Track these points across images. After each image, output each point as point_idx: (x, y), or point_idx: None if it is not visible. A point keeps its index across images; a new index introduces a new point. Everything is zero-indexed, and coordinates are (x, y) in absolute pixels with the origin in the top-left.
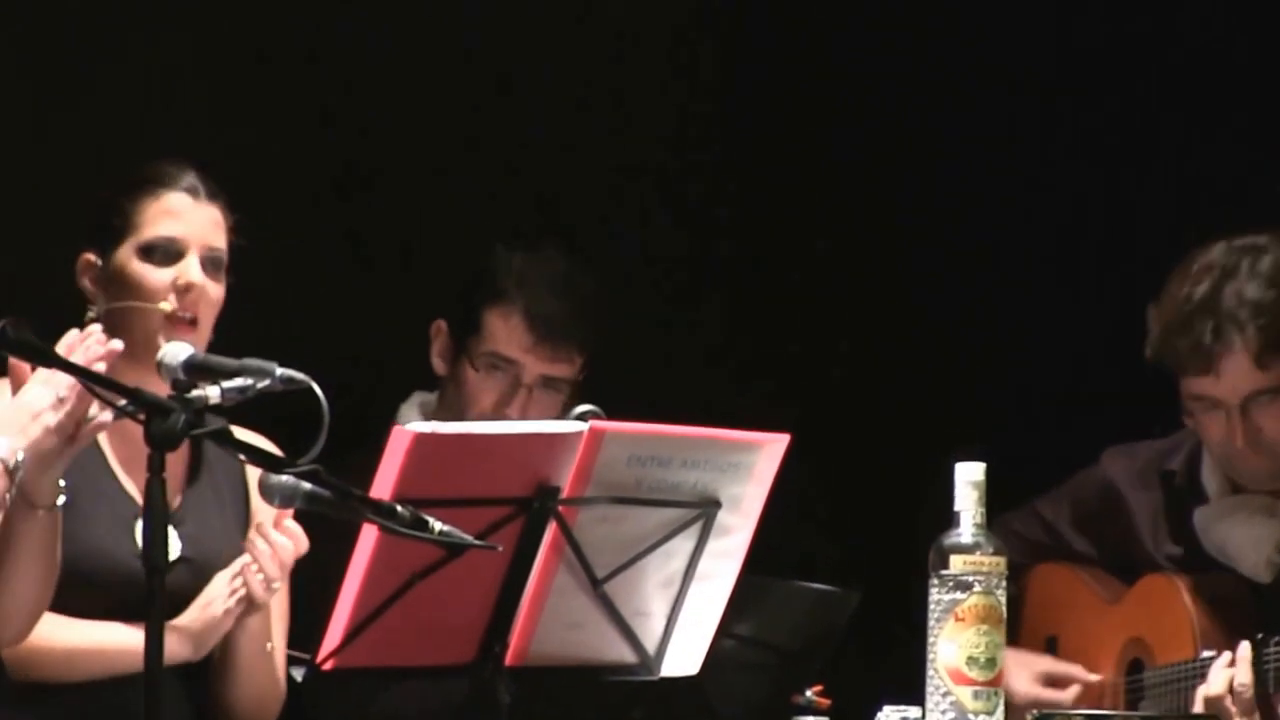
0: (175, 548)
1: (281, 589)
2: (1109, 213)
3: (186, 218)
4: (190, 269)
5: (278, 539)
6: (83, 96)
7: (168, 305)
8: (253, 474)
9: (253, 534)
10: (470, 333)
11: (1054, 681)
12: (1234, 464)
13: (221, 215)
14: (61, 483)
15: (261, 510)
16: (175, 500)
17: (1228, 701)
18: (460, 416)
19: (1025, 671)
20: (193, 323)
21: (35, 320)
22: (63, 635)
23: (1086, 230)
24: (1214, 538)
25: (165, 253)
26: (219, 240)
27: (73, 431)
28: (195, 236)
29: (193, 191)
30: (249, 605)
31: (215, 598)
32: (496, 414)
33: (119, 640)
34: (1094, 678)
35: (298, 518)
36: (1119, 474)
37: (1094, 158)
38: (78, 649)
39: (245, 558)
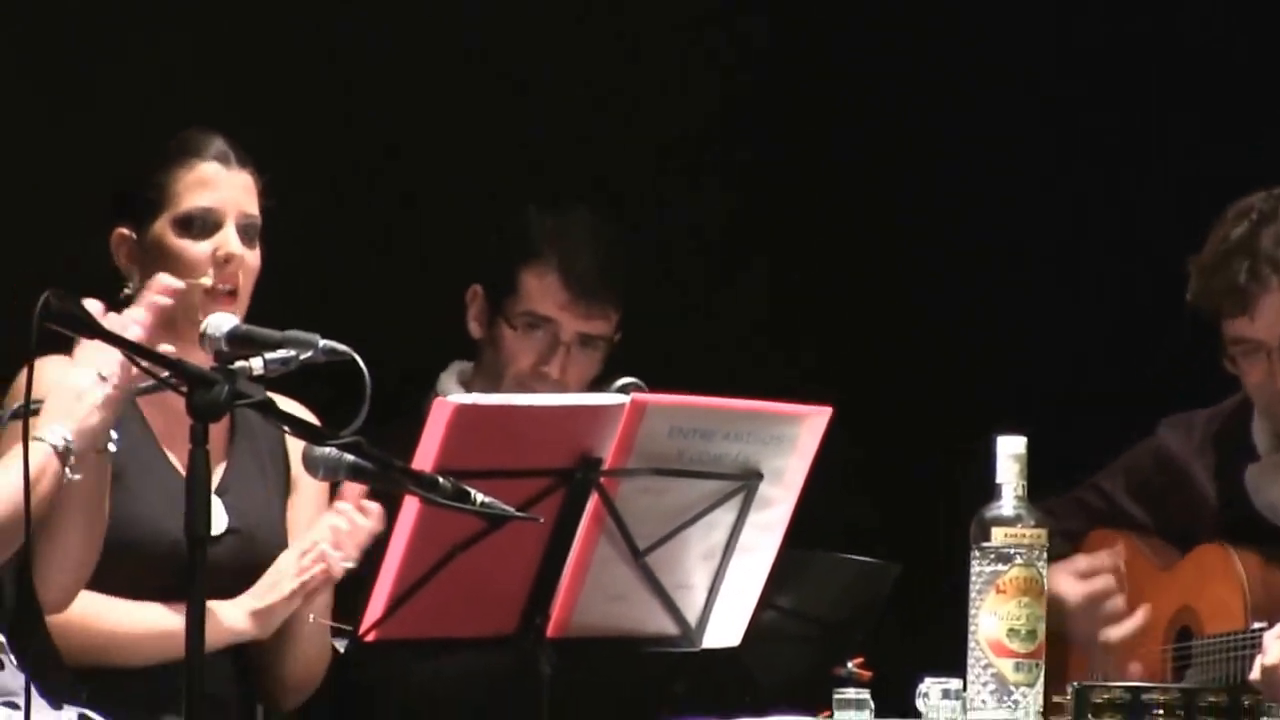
0: (221, 520)
1: None
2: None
3: (220, 187)
4: (229, 240)
5: (359, 518)
6: (103, 74)
7: (208, 280)
8: (293, 442)
9: (334, 513)
10: (506, 294)
11: (1092, 574)
12: (1276, 409)
13: (253, 180)
14: (113, 434)
15: (302, 477)
16: (218, 471)
17: None
18: (499, 379)
19: (1063, 574)
20: (232, 294)
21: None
22: (108, 617)
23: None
24: (1265, 496)
25: (202, 224)
26: (253, 206)
27: (120, 406)
28: (230, 205)
29: (224, 159)
30: (324, 583)
31: (283, 575)
32: (535, 374)
33: (164, 624)
34: (1118, 558)
35: (337, 490)
36: (1176, 444)
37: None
38: (120, 632)
39: (315, 535)
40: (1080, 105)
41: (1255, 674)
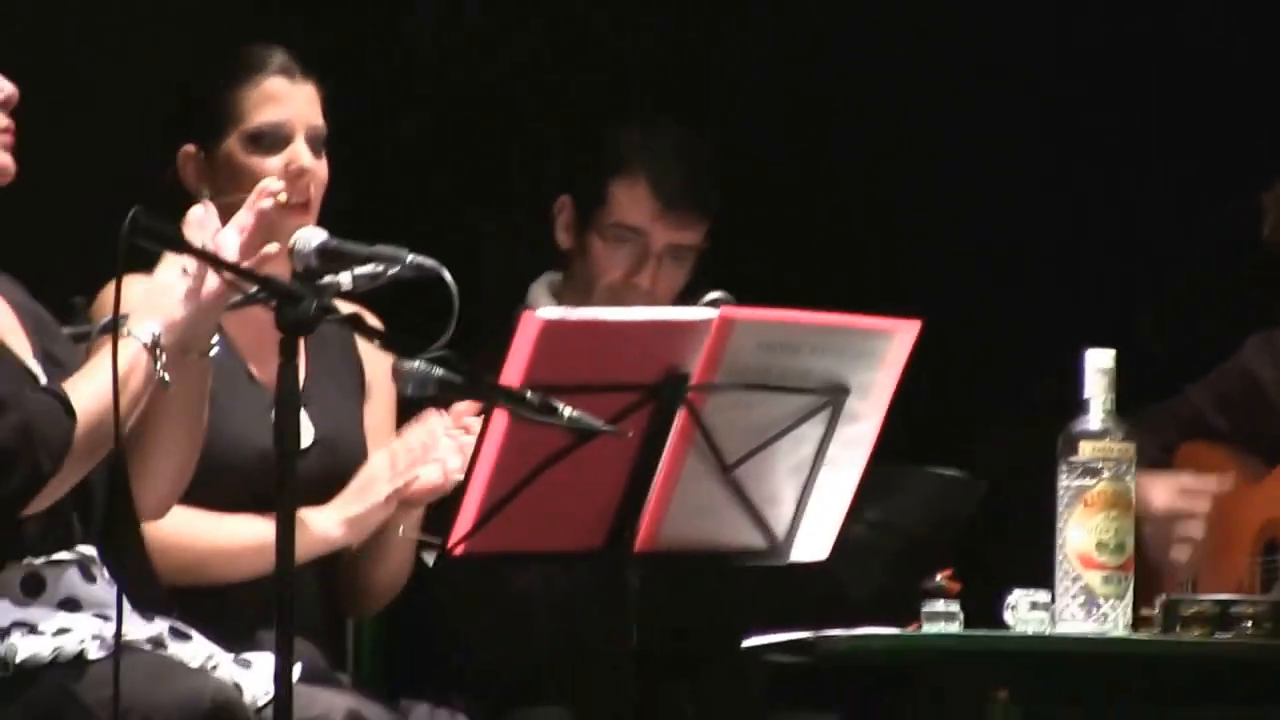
0: (308, 431)
1: None
2: None
3: (288, 100)
4: (300, 153)
5: (442, 426)
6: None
7: (281, 195)
8: (364, 348)
9: (449, 421)
10: (596, 205)
11: (1191, 493)
12: None
13: (317, 91)
14: (216, 338)
15: (375, 383)
16: (300, 384)
17: None
18: (589, 290)
19: (1162, 484)
20: (305, 206)
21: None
22: (205, 532)
23: None
24: None
25: (272, 139)
26: (319, 117)
27: (201, 293)
28: (299, 118)
29: (288, 72)
30: (428, 494)
31: (375, 480)
32: (626, 285)
33: (262, 537)
34: (1223, 487)
35: (425, 404)
36: (1259, 360)
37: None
38: (218, 547)
39: (408, 440)
40: (1081, 105)
41: None
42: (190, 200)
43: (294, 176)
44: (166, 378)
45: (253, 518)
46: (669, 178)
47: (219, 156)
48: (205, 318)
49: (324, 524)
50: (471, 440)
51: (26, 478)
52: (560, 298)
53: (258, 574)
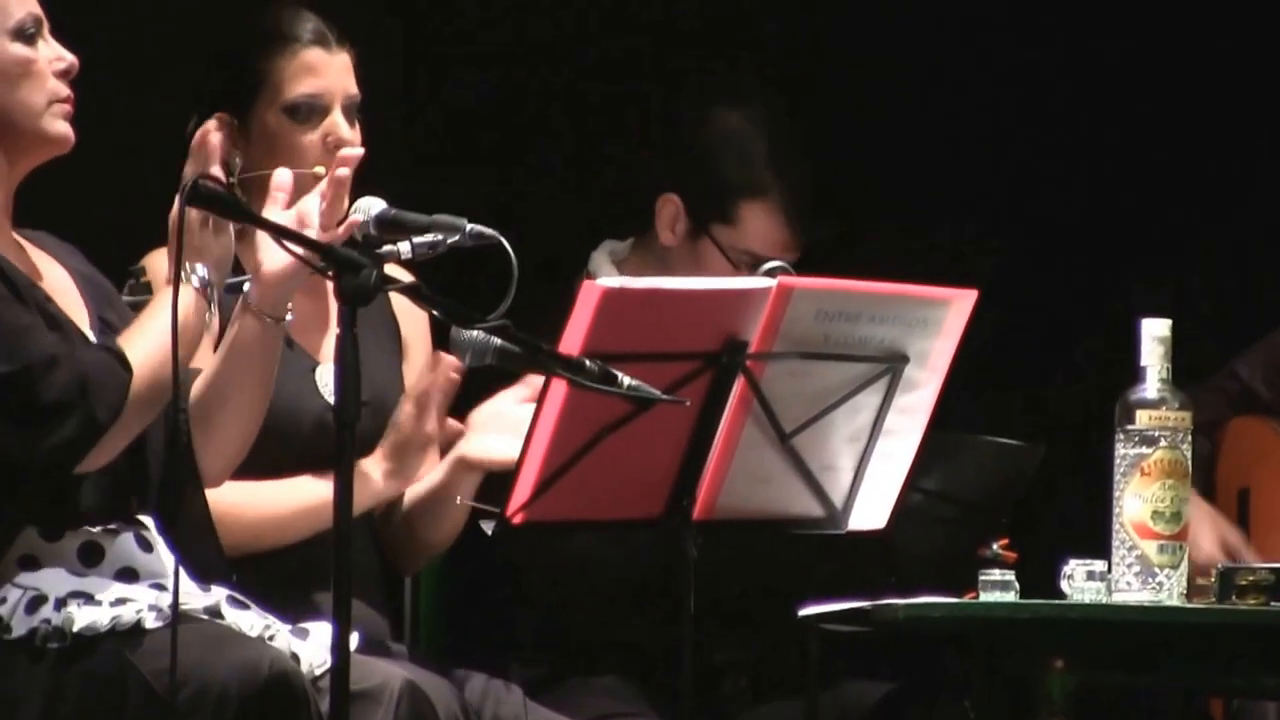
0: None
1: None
2: None
3: (325, 71)
4: (339, 126)
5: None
6: None
7: (321, 169)
8: (400, 307)
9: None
10: (719, 220)
11: (1235, 553)
12: None
13: (351, 58)
14: (290, 305)
15: (413, 343)
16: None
17: None
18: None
19: (1212, 533)
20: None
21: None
22: (256, 502)
23: None
24: None
25: (309, 110)
26: (354, 86)
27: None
28: (336, 89)
29: (324, 41)
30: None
31: (398, 424)
32: None
33: (314, 497)
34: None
35: (485, 372)
36: None
37: None
38: (270, 514)
39: (422, 385)
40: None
41: None
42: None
43: (332, 149)
44: (213, 320)
45: (295, 481)
46: (798, 202)
47: (253, 126)
48: (284, 284)
49: (375, 474)
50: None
51: (82, 428)
52: (623, 267)
53: (307, 536)
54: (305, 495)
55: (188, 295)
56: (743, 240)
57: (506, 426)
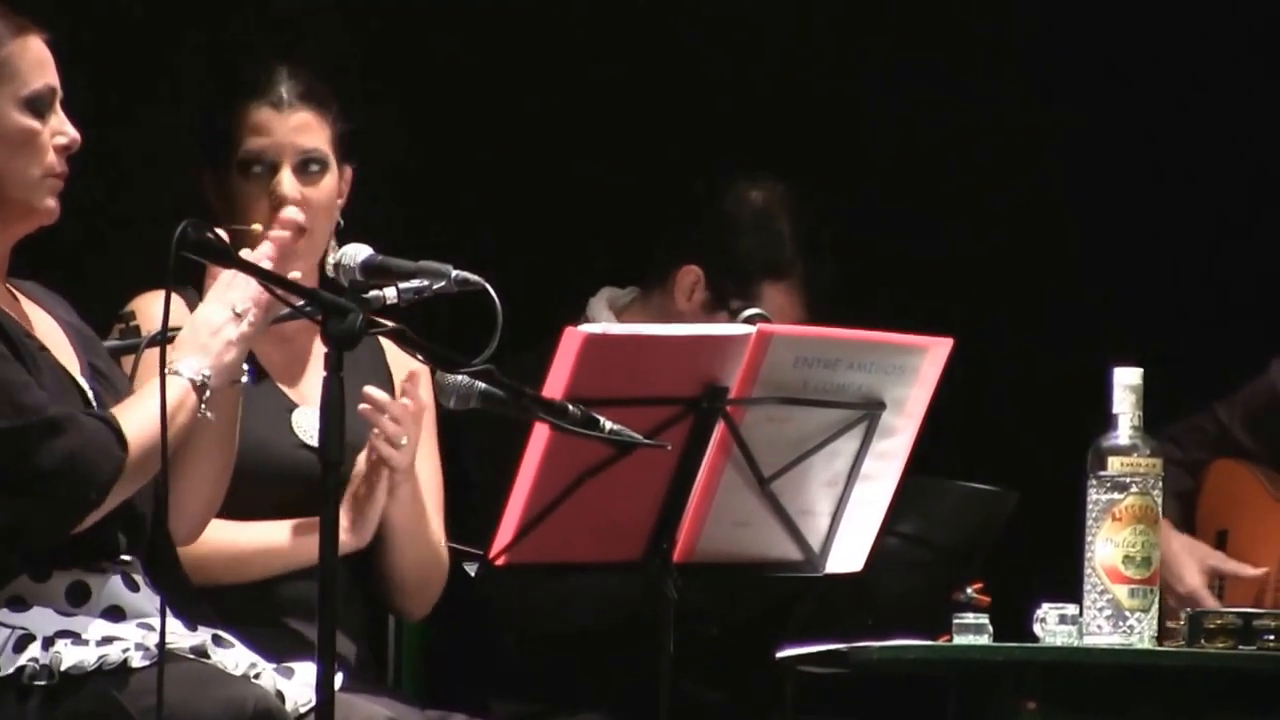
0: None
1: (430, 468)
2: None
3: (273, 130)
4: (281, 182)
5: (383, 398)
6: None
7: (259, 226)
8: (391, 355)
9: (362, 406)
10: (739, 295)
11: (1219, 578)
12: None
13: (314, 116)
14: (245, 366)
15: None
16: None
17: None
18: None
19: (1195, 563)
20: (301, 231)
21: None
22: (230, 538)
23: None
24: None
25: (259, 165)
26: (313, 141)
27: (250, 336)
28: (284, 147)
29: (276, 103)
30: (390, 471)
31: (355, 478)
32: None
33: (284, 539)
34: (1259, 572)
35: (472, 416)
36: None
37: None
38: (245, 551)
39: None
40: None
41: None
42: (216, 221)
43: (276, 207)
44: (210, 415)
45: (265, 523)
46: (818, 282)
47: (224, 182)
48: (246, 348)
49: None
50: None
51: (71, 505)
52: (623, 316)
53: (266, 576)
54: (265, 536)
55: (183, 388)
56: (754, 309)
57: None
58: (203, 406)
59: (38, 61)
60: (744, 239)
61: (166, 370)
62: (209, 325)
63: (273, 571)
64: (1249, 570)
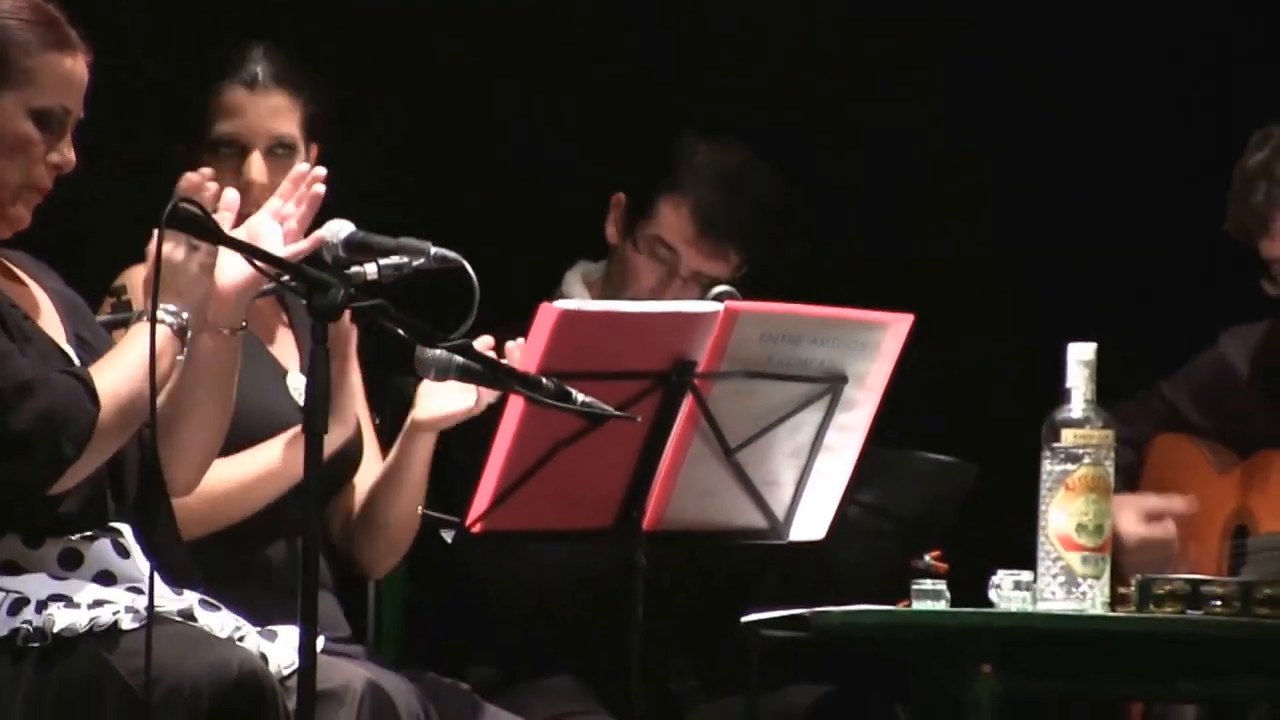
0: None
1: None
2: None
3: (244, 113)
4: (251, 167)
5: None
6: None
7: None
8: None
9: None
10: (642, 214)
11: (1156, 516)
12: None
13: (287, 99)
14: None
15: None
16: (297, 357)
17: None
18: (620, 292)
19: (1130, 510)
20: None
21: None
22: (234, 473)
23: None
24: None
25: (229, 149)
26: (285, 125)
27: (211, 264)
28: (255, 131)
29: (249, 83)
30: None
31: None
32: (653, 297)
33: (277, 457)
34: (1190, 508)
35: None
36: (1235, 352)
37: None
38: (248, 479)
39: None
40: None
41: None
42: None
43: (243, 190)
44: (203, 347)
45: (252, 451)
46: (713, 206)
47: (195, 159)
48: (240, 299)
49: None
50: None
51: (49, 463)
52: (593, 288)
53: (271, 499)
54: (262, 460)
55: (163, 334)
56: (654, 228)
57: (452, 386)
58: (183, 351)
59: (64, 80)
60: (655, 154)
61: (143, 320)
62: (169, 264)
63: (281, 491)
64: (1180, 503)
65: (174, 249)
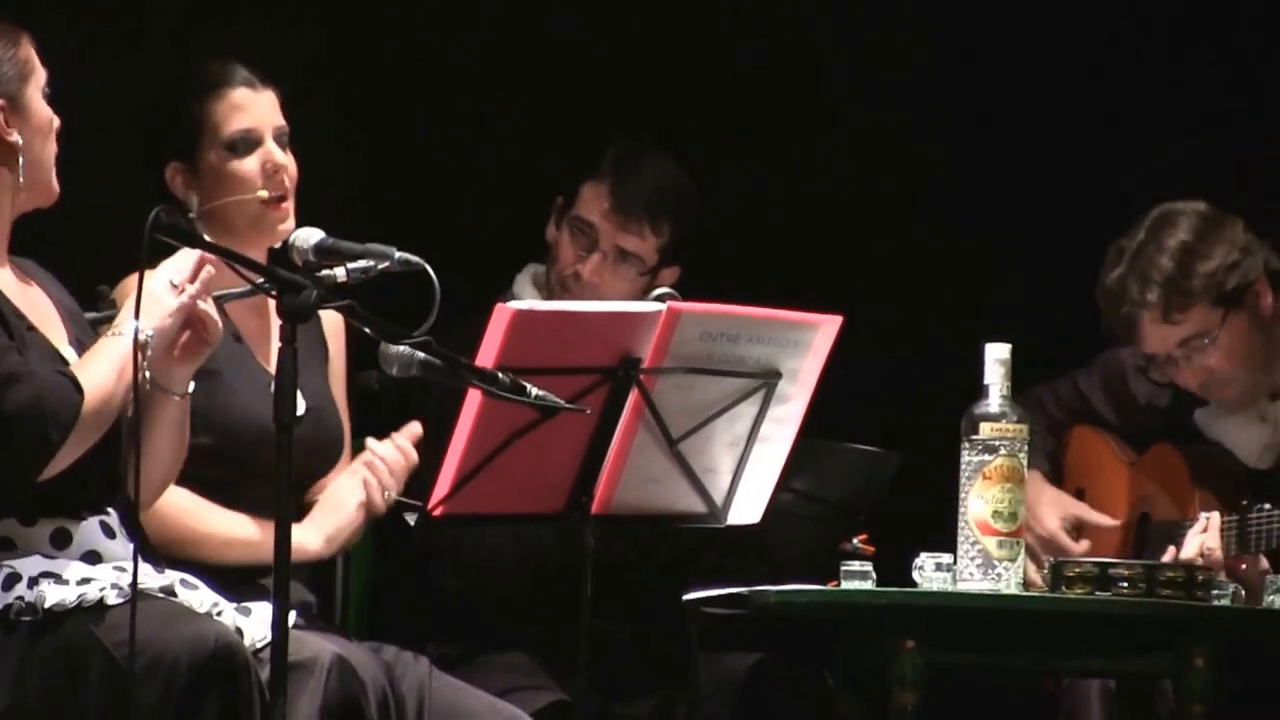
0: (300, 402)
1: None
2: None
3: (253, 108)
4: (273, 153)
5: (390, 454)
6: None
7: (264, 193)
8: (329, 327)
9: (369, 454)
10: (569, 201)
11: (1078, 527)
12: (1213, 396)
13: (276, 95)
14: (191, 383)
15: (334, 361)
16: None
17: (1199, 563)
18: (550, 276)
19: (1057, 511)
20: (283, 198)
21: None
22: (202, 517)
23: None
24: (1214, 434)
25: (245, 144)
26: (281, 119)
27: (189, 316)
28: (265, 122)
29: (249, 83)
30: (371, 510)
31: (344, 497)
32: (572, 273)
33: (250, 534)
34: (1113, 523)
35: (410, 383)
36: (1129, 359)
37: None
38: (211, 534)
39: (363, 462)
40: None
41: (1185, 554)
42: (183, 208)
43: (270, 174)
44: (148, 375)
45: (245, 516)
46: (627, 184)
47: (202, 167)
48: (185, 367)
49: (306, 538)
50: (400, 459)
51: (37, 446)
52: (543, 289)
53: (240, 564)
54: (246, 528)
55: (127, 344)
56: (574, 209)
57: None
58: (144, 366)
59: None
60: (596, 166)
61: (111, 332)
62: (149, 295)
63: (248, 562)
64: (1106, 520)
65: (157, 282)
